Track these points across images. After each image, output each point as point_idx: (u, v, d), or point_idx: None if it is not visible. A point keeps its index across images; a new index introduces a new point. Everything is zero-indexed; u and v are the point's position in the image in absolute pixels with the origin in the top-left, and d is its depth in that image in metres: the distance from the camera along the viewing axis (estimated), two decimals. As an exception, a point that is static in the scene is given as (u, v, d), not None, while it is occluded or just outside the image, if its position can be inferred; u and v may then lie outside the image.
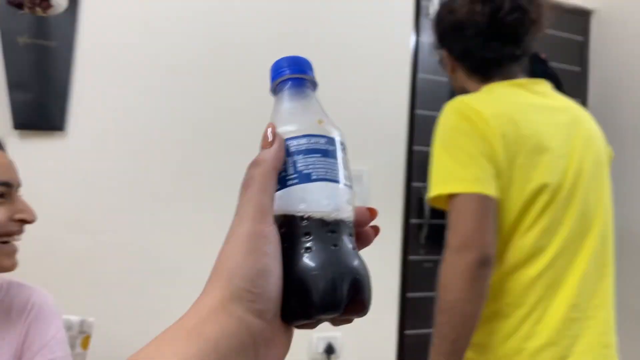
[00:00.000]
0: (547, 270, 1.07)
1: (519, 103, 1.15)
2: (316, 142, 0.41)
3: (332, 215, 0.40)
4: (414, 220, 2.11)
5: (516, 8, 1.17)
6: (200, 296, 0.36)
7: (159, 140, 1.70)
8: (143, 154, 1.68)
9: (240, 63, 1.80)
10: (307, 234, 0.39)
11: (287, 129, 0.42)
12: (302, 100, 0.45)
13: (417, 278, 2.09)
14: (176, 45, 1.73)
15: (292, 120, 0.43)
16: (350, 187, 0.42)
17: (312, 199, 0.40)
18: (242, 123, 1.76)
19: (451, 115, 1.12)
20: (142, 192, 1.68)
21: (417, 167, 2.11)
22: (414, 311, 2.06)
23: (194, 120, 1.75)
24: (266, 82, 0.46)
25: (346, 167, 0.43)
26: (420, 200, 2.11)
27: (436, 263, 2.12)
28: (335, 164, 0.42)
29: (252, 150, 0.41)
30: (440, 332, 1.05)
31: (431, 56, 2.19)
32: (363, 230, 0.44)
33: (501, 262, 1.09)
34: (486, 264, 1.01)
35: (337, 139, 0.43)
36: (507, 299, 1.08)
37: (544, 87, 1.26)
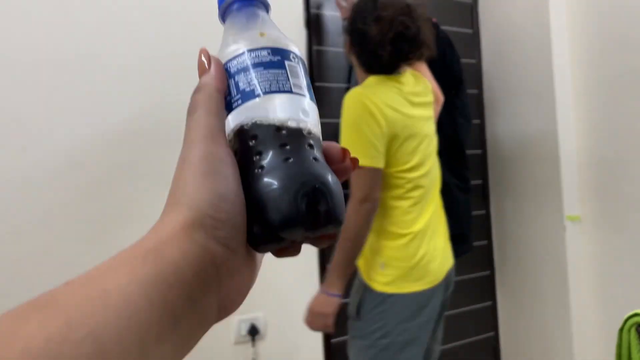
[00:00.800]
0: (416, 203, 1.59)
1: (395, 95, 1.56)
2: (256, 56, 0.38)
3: (283, 125, 0.36)
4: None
5: (402, 34, 1.52)
6: (157, 223, 0.33)
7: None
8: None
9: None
10: (259, 152, 0.36)
11: (227, 51, 0.39)
12: (249, 20, 0.41)
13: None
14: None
15: (232, 41, 0.39)
16: (304, 95, 0.39)
17: (257, 115, 0.36)
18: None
19: (354, 106, 1.50)
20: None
21: (326, 138, 2.11)
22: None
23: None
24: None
25: (298, 75, 0.39)
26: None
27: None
28: (283, 73, 0.38)
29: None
30: (346, 254, 1.51)
31: (325, 27, 2.19)
32: (339, 166, 0.40)
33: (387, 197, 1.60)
34: (375, 209, 1.52)
35: (285, 48, 0.39)
36: (395, 217, 1.58)
37: (407, 78, 1.64)
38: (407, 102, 1.56)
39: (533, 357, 2.43)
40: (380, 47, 1.51)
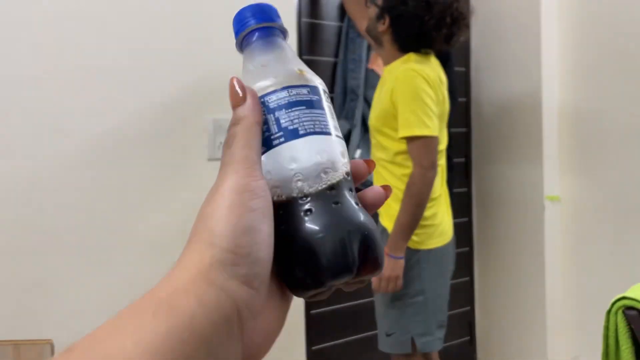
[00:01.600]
0: (438, 172, 1.72)
1: (436, 74, 1.72)
2: (298, 94, 0.37)
3: (329, 170, 0.36)
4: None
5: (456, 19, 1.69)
6: (176, 263, 0.31)
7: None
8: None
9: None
10: (305, 195, 0.35)
11: (263, 84, 0.38)
12: (275, 51, 0.40)
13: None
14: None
15: (268, 73, 0.39)
16: (341, 138, 0.39)
17: (304, 157, 0.36)
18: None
19: (414, 80, 1.64)
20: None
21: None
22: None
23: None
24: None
25: (334, 116, 0.39)
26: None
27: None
28: (323, 114, 0.38)
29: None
30: (414, 219, 1.64)
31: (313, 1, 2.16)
32: (373, 191, 0.40)
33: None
34: (436, 176, 1.67)
35: (321, 87, 0.39)
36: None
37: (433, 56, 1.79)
38: (440, 80, 1.72)
39: (507, 333, 2.50)
40: (435, 29, 1.66)
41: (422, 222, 1.70)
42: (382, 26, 1.73)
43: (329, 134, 0.37)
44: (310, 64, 2.10)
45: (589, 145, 2.20)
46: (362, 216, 0.36)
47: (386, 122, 1.71)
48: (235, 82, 0.37)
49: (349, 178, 0.37)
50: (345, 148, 0.39)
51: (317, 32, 2.14)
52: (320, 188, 0.35)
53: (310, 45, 2.12)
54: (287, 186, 0.36)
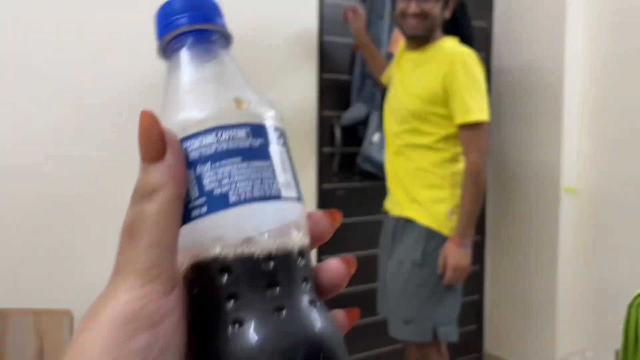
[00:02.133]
0: None
1: None
2: (232, 138, 0.26)
3: (270, 253, 0.25)
4: (326, 149, 2.11)
5: None
6: None
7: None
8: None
9: None
10: (233, 295, 0.25)
11: (182, 120, 0.27)
12: (208, 67, 0.29)
13: (332, 206, 2.12)
14: None
15: (192, 103, 0.27)
16: (296, 198, 0.27)
17: (234, 236, 0.25)
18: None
19: (476, 63, 1.69)
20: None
21: (327, 95, 2.09)
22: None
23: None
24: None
25: (285, 166, 0.28)
26: (331, 128, 2.10)
27: (349, 191, 2.18)
28: (268, 167, 0.27)
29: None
30: (478, 205, 1.64)
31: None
32: (330, 270, 0.29)
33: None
34: None
35: (269, 124, 0.28)
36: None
37: None
38: None
39: (515, 323, 2.50)
40: None
41: (456, 209, 1.68)
42: (449, 12, 1.77)
43: (274, 198, 0.26)
44: (330, 46, 2.09)
45: (609, 136, 2.17)
46: (318, 325, 0.26)
47: (433, 107, 1.66)
48: (149, 122, 0.24)
49: (306, 262, 0.27)
50: (302, 215, 0.28)
51: (338, 13, 2.12)
52: (258, 284, 0.25)
53: (330, 26, 2.10)
54: (209, 280, 0.25)
